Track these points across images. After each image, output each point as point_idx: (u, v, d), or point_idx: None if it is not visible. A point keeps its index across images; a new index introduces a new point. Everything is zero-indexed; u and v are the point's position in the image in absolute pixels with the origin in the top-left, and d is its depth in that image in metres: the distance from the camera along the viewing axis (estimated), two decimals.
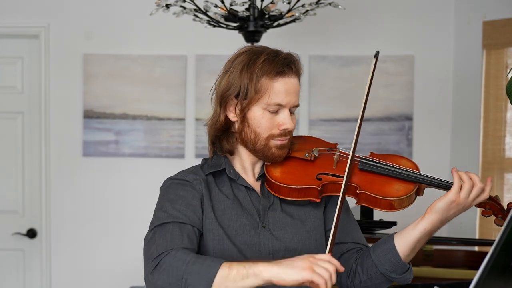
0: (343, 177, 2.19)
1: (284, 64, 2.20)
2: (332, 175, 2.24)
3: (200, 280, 1.95)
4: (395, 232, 2.25)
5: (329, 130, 5.18)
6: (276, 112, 2.21)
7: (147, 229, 2.23)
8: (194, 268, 1.96)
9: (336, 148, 2.34)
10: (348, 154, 2.25)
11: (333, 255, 2.13)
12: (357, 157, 2.27)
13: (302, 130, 5.16)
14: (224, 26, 4.15)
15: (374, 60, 2.41)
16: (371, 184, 2.22)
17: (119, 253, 5.18)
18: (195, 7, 4.09)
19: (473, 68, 5.06)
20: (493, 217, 2.26)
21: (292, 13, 4.08)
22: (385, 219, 3.62)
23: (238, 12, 4.05)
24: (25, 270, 5.28)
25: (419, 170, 2.31)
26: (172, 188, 2.24)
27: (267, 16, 4.07)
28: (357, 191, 2.20)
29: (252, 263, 1.95)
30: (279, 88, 2.19)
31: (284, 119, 2.22)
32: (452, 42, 5.21)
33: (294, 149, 2.31)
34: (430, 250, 4.07)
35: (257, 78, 2.17)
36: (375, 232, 3.73)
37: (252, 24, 4.06)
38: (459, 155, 5.19)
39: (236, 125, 2.25)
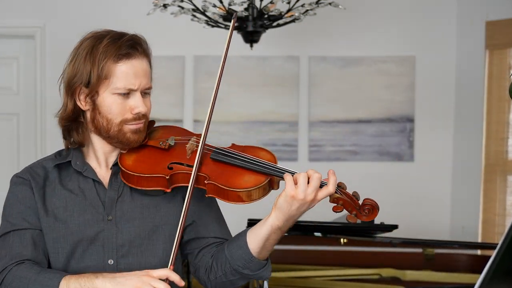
0: (192, 166, 2.13)
1: (129, 46, 2.14)
2: (183, 164, 2.17)
3: None
4: (247, 229, 2.19)
5: (329, 131, 5.18)
6: (127, 96, 2.14)
7: None
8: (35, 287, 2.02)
9: (192, 136, 2.27)
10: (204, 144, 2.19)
11: (190, 251, 2.23)
12: (211, 147, 2.21)
13: (302, 132, 5.17)
14: (223, 26, 4.15)
15: (232, 21, 2.33)
16: (221, 174, 2.15)
17: None
18: (193, 7, 4.09)
19: (475, 69, 5.06)
20: (348, 214, 2.14)
21: (291, 13, 4.07)
22: (385, 222, 3.61)
23: (236, 12, 4.04)
24: None
25: (276, 163, 2.17)
26: (12, 188, 2.20)
27: (266, 16, 4.07)
28: (205, 181, 2.13)
29: (90, 278, 2.01)
30: (125, 71, 2.12)
31: (136, 103, 2.14)
32: (454, 43, 5.21)
33: (153, 137, 2.25)
34: (432, 254, 4.06)
35: (100, 62, 2.11)
36: (376, 235, 3.73)
37: (251, 24, 4.05)
38: (461, 157, 5.19)
39: (88, 114, 2.18)
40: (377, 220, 3.65)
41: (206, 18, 4.11)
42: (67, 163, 2.23)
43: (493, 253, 1.66)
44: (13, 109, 5.23)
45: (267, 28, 4.14)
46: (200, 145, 2.15)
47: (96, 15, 5.15)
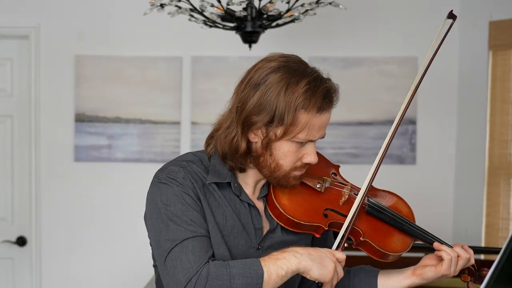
0: (346, 216, 2.16)
1: (326, 99, 2.10)
2: (338, 212, 2.19)
3: None
4: (377, 270, 2.29)
5: (329, 134, 5.11)
6: (303, 144, 2.12)
7: (140, 235, 2.21)
8: (238, 282, 1.98)
9: (347, 182, 2.29)
10: (358, 189, 2.24)
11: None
12: (364, 196, 2.23)
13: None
14: (221, 26, 4.15)
15: (448, 22, 2.31)
16: (375, 232, 2.21)
17: (111, 261, 5.17)
18: (190, 7, 4.09)
19: (478, 70, 5.06)
20: (469, 281, 2.38)
21: (291, 13, 4.07)
22: None
23: (235, 12, 4.04)
24: (14, 279, 5.27)
25: (414, 219, 2.34)
26: (173, 191, 2.10)
27: (265, 16, 4.07)
28: (361, 238, 2.18)
29: (285, 260, 2.01)
30: (314, 124, 2.09)
31: (309, 152, 2.13)
32: (457, 43, 5.21)
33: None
34: None
35: (296, 110, 2.04)
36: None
37: (250, 24, 4.05)
38: (464, 160, 5.19)
39: (255, 147, 2.13)
40: None
41: (204, 18, 4.11)
42: (225, 183, 2.18)
43: (497, 258, 1.66)
44: (7, 111, 5.23)
45: (266, 29, 4.14)
46: (360, 199, 2.18)
47: (92, 15, 5.16)
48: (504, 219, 4.93)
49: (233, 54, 5.08)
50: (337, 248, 2.10)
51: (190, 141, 5.13)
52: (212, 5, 4.06)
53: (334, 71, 5.43)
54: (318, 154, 2.26)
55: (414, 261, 4.12)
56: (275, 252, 2.04)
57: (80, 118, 5.15)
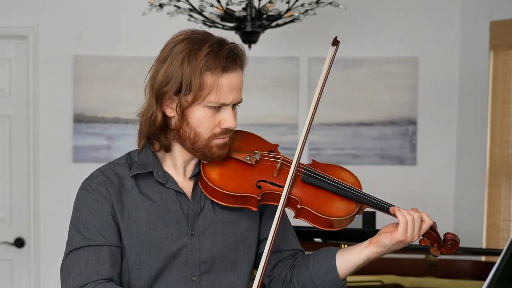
0: (283, 187, 2.13)
1: (230, 58, 2.10)
2: (272, 183, 2.17)
3: None
4: (336, 249, 2.24)
5: (329, 135, 5.18)
6: (218, 109, 2.11)
7: None
8: None
9: (280, 155, 2.26)
10: (291, 161, 2.19)
11: (268, 267, 2.22)
12: (300, 166, 2.21)
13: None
14: (220, 26, 4.15)
15: (333, 48, 2.31)
16: (313, 199, 2.16)
17: None
18: (189, 7, 4.09)
19: (479, 70, 5.06)
20: (431, 247, 2.26)
21: (291, 13, 4.07)
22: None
23: (234, 11, 4.05)
24: (12, 281, 5.26)
25: (361, 187, 2.25)
26: (85, 196, 2.16)
27: (265, 16, 4.07)
28: (298, 205, 2.14)
29: None
30: (222, 85, 2.08)
31: (226, 117, 2.12)
32: (458, 43, 5.21)
33: (233, 147, 2.23)
34: (435, 260, 4.06)
35: (201, 73, 2.06)
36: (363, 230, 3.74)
37: (249, 24, 4.05)
38: (465, 161, 5.19)
39: (173, 121, 2.14)
40: (378, 225, 3.65)
41: (203, 18, 4.11)
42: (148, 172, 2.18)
43: (498, 260, 1.66)
44: (5, 111, 5.22)
45: (265, 29, 4.14)
46: (293, 165, 2.14)
47: (91, 15, 5.16)
48: (505, 220, 4.93)
49: None
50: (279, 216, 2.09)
51: None
52: (212, 5, 4.06)
53: (334, 72, 5.44)
54: (254, 134, 2.33)
55: (414, 262, 4.13)
56: None
57: (79, 119, 5.15)
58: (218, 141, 2.14)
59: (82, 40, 5.16)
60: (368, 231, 3.64)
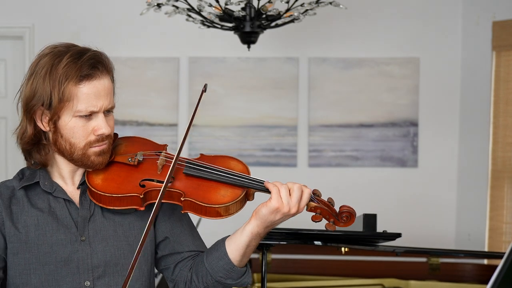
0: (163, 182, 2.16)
1: (90, 66, 2.11)
2: (155, 180, 2.19)
3: None
4: (227, 236, 2.24)
5: (329, 136, 5.18)
6: (89, 118, 2.12)
7: None
8: None
9: (166, 153, 2.27)
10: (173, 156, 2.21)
11: (166, 267, 2.25)
12: (183, 160, 2.22)
13: (302, 136, 5.16)
14: (219, 26, 4.15)
15: (201, 92, 2.31)
16: (196, 190, 2.18)
17: None
18: (188, 7, 4.09)
19: (482, 71, 5.06)
20: (326, 222, 2.21)
21: (290, 12, 4.07)
22: (388, 231, 3.61)
23: (233, 11, 4.05)
24: None
25: (249, 173, 2.24)
26: None
27: (264, 16, 4.07)
28: (181, 198, 2.15)
29: None
30: (86, 93, 2.09)
31: (98, 124, 2.13)
32: (459, 44, 5.22)
33: (118, 152, 2.25)
34: (437, 263, 4.06)
35: (60, 84, 2.07)
36: (378, 244, 3.73)
37: (248, 24, 4.05)
38: (467, 163, 5.19)
39: (50, 135, 2.14)
40: (379, 228, 3.64)
41: (201, 18, 4.11)
42: (35, 184, 2.19)
43: (500, 263, 1.66)
44: (1, 113, 5.23)
45: (265, 29, 4.14)
46: (173, 161, 2.14)
47: (88, 15, 5.16)
48: (508, 223, 4.93)
49: (231, 54, 5.08)
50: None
51: (187, 143, 5.12)
52: (210, 5, 4.06)
53: (334, 72, 5.45)
54: (141, 138, 2.34)
55: (416, 266, 4.13)
56: None
57: None
58: (95, 149, 2.14)
59: (79, 40, 5.12)
60: (369, 234, 3.64)
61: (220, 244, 2.21)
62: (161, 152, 2.25)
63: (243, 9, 4.06)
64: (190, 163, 2.22)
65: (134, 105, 5.15)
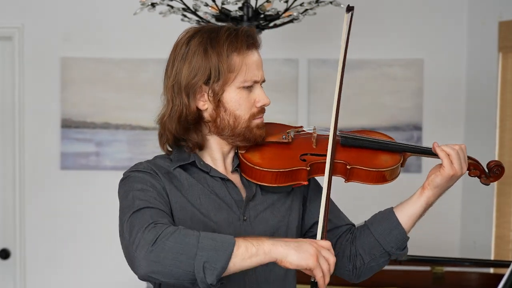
0: (325, 155, 2.24)
1: (249, 37, 2.23)
2: (315, 154, 2.28)
3: (217, 257, 1.92)
4: (390, 208, 2.39)
5: None
6: (250, 89, 2.23)
7: None
8: (207, 243, 1.93)
9: (314, 128, 2.41)
10: (324, 134, 2.34)
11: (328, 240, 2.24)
12: (336, 133, 2.33)
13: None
14: None
15: (348, 15, 2.47)
16: (359, 158, 2.29)
17: (99, 274, 5.17)
18: (183, 6, 4.10)
19: (488, 73, 5.07)
20: (482, 178, 2.49)
21: (289, 12, 4.08)
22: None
23: (230, 11, 4.05)
24: None
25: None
26: (135, 177, 2.18)
27: (262, 16, 4.07)
28: (347, 167, 2.25)
29: (258, 240, 1.97)
30: (251, 63, 2.21)
31: (260, 95, 2.25)
32: (465, 44, 5.22)
33: (266, 134, 2.32)
34: (441, 272, 4.07)
35: (227, 55, 2.17)
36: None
37: (246, 24, 4.06)
38: None
39: (207, 113, 2.22)
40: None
41: (197, 18, 4.11)
42: (190, 164, 2.25)
43: (507, 272, 1.67)
44: None
45: (263, 29, 4.14)
46: (331, 132, 2.28)
47: (79, 15, 5.15)
48: None
49: None
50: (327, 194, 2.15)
51: None
52: (206, 5, 4.06)
53: (335, 74, 5.42)
54: (276, 123, 2.42)
55: (420, 275, 4.13)
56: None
57: (67, 124, 5.15)
58: (257, 121, 2.25)
59: (70, 41, 5.16)
60: None
61: (390, 215, 2.34)
62: (312, 128, 2.39)
63: (240, 8, 4.06)
64: (345, 135, 2.34)
65: (127, 108, 5.15)
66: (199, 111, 2.22)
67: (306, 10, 4.10)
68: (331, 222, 2.37)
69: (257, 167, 2.20)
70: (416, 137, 5.20)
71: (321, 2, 4.08)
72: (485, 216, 5.05)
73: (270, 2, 3.99)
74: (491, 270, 4.61)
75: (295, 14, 4.09)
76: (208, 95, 2.19)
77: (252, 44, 2.22)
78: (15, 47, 5.13)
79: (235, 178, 2.28)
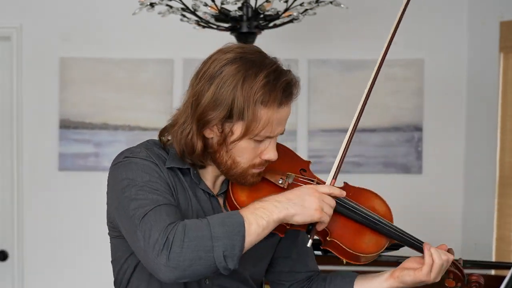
0: None
1: (286, 92, 2.11)
2: None
3: (234, 243, 1.92)
4: (354, 276, 2.32)
5: (330, 141, 5.17)
6: (261, 141, 2.12)
7: None
8: (219, 231, 1.92)
9: (314, 177, 2.29)
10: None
11: (280, 283, 2.32)
12: None
13: (301, 141, 5.16)
14: (215, 27, 4.15)
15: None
16: (343, 231, 2.18)
17: (98, 276, 5.16)
18: (182, 6, 4.09)
19: (489, 73, 5.06)
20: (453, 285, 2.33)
21: (289, 12, 4.08)
22: None
23: (230, 11, 4.05)
24: None
25: (392, 217, 2.31)
26: (138, 165, 2.12)
27: (262, 16, 4.07)
28: (327, 238, 2.16)
29: (264, 209, 1.97)
30: (272, 121, 2.09)
31: (269, 149, 2.14)
32: (465, 45, 5.22)
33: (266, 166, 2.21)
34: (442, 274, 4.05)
35: (255, 105, 2.04)
36: (381, 254, 3.72)
37: (246, 24, 4.05)
38: (473, 170, 5.18)
39: (211, 142, 2.12)
40: None
41: (196, 18, 4.11)
42: (184, 169, 2.19)
43: (508, 273, 1.66)
44: None
45: (262, 29, 4.14)
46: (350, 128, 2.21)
47: (78, 15, 5.15)
48: None
49: None
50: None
51: None
52: (206, 4, 4.06)
53: (334, 75, 5.44)
54: (286, 149, 2.33)
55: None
56: (252, 203, 2.02)
57: (65, 125, 5.14)
58: (255, 171, 2.15)
59: (69, 41, 5.16)
60: None
61: (349, 284, 2.30)
62: (313, 181, 2.24)
63: (240, 8, 4.06)
64: (341, 201, 2.20)
65: (126, 109, 5.14)
66: (204, 138, 2.12)
67: (306, 10, 4.10)
68: (294, 266, 2.35)
69: (238, 206, 2.13)
70: (417, 137, 5.20)
71: (321, 2, 4.07)
72: (486, 218, 5.05)
73: (269, 2, 3.99)
74: (492, 272, 4.61)
75: (295, 14, 4.08)
76: (218, 129, 2.08)
77: (287, 99, 2.11)
78: (14, 47, 5.12)
79: (220, 199, 2.23)
